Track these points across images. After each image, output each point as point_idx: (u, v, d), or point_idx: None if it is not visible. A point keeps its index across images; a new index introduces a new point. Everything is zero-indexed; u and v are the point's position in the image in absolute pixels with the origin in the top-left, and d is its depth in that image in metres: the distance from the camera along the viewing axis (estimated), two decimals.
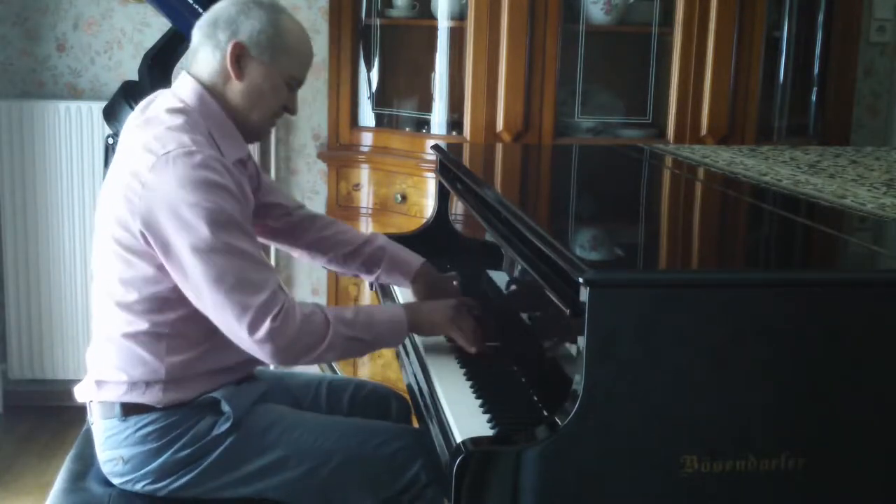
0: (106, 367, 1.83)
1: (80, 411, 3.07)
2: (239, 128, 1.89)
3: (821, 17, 3.46)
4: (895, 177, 2.29)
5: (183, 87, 1.87)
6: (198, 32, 1.89)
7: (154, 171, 1.72)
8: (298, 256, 2.27)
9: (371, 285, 2.39)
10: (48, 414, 3.57)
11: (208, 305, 1.72)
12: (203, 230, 1.69)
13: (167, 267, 1.74)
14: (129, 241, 1.76)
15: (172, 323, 1.79)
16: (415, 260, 2.24)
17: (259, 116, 1.90)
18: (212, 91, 1.87)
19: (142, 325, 1.79)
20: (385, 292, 2.38)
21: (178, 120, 1.79)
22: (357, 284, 3.33)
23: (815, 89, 3.50)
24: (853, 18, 3.49)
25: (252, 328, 1.70)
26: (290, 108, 1.94)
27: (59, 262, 3.49)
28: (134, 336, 1.79)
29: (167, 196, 1.70)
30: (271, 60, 1.86)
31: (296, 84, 1.93)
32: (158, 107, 1.85)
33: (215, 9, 1.89)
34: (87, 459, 1.94)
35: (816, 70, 3.48)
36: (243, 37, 1.84)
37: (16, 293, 3.50)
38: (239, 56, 1.85)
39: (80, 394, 1.89)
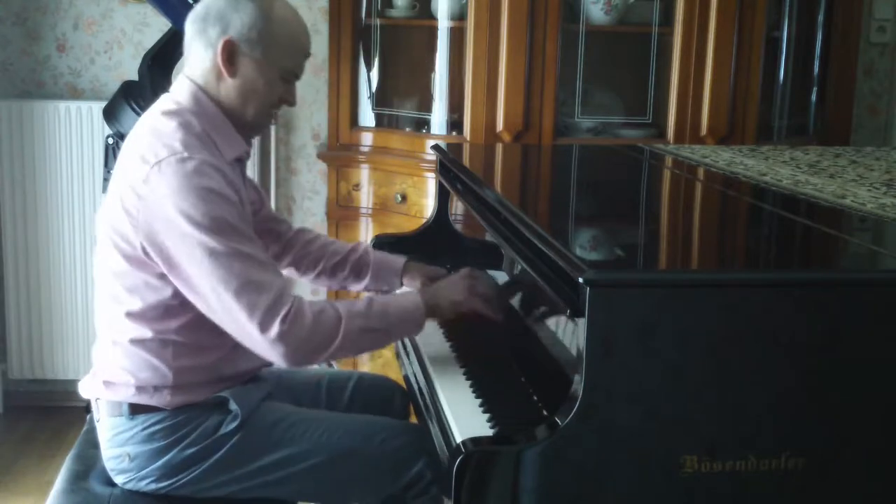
0: (113, 368, 1.82)
1: (80, 411, 3.08)
2: (236, 124, 1.86)
3: (821, 17, 3.46)
4: (895, 177, 2.29)
5: (178, 89, 1.86)
6: (189, 28, 1.85)
7: (148, 183, 1.70)
8: (287, 274, 2.20)
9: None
10: (48, 414, 3.57)
11: (217, 311, 1.70)
12: (202, 238, 1.67)
13: (172, 279, 1.73)
14: (131, 251, 1.74)
15: (177, 330, 1.78)
16: (399, 258, 2.23)
17: (255, 112, 1.86)
18: (206, 89, 1.84)
19: (147, 332, 1.78)
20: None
21: (172, 123, 1.77)
22: None
23: (815, 89, 3.49)
24: (853, 18, 3.49)
25: (263, 328, 1.67)
26: (288, 99, 1.90)
27: (59, 262, 3.49)
28: (141, 342, 1.78)
29: (163, 208, 1.68)
30: (263, 55, 1.82)
31: (292, 76, 1.88)
32: (155, 110, 1.84)
33: (206, 2, 1.85)
34: (87, 459, 1.94)
35: (816, 70, 3.48)
36: (233, 32, 1.80)
37: (16, 293, 3.50)
38: (230, 53, 1.81)
39: (86, 390, 1.88)
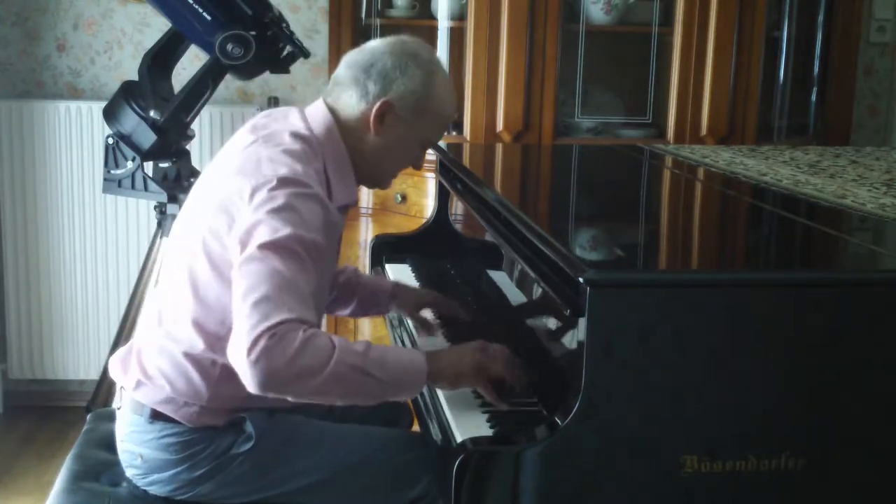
0: (152, 369, 1.79)
1: (81, 411, 3.08)
2: (361, 172, 1.85)
3: (821, 17, 3.46)
4: (895, 177, 2.29)
5: (314, 114, 1.83)
6: (347, 70, 1.84)
7: (259, 193, 1.67)
8: None
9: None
10: (48, 414, 3.57)
11: (235, 311, 1.61)
12: (269, 246, 1.61)
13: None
14: (219, 252, 1.71)
15: None
16: (387, 282, 2.21)
17: (385, 170, 1.88)
18: (343, 129, 1.82)
19: (201, 345, 1.74)
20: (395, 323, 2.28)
21: (297, 146, 1.74)
22: None
23: (815, 89, 3.49)
24: (853, 18, 3.49)
25: (254, 343, 1.54)
26: (416, 164, 1.92)
27: (59, 262, 3.49)
28: (192, 356, 1.75)
29: (262, 216, 1.65)
30: (413, 121, 1.82)
31: (429, 145, 1.90)
32: (283, 127, 1.80)
33: (373, 52, 1.83)
34: (87, 459, 1.94)
35: (816, 70, 3.48)
36: (394, 96, 1.79)
37: (16, 293, 3.50)
38: (384, 113, 1.80)
39: (115, 373, 1.86)
